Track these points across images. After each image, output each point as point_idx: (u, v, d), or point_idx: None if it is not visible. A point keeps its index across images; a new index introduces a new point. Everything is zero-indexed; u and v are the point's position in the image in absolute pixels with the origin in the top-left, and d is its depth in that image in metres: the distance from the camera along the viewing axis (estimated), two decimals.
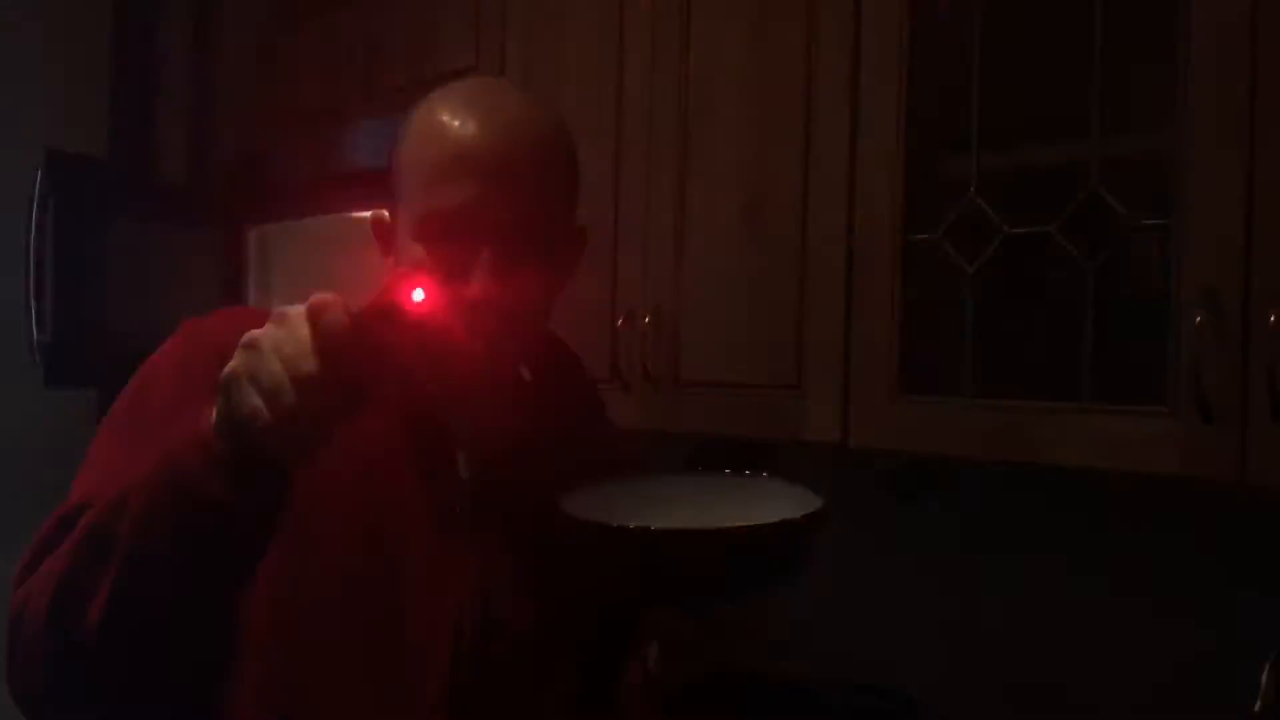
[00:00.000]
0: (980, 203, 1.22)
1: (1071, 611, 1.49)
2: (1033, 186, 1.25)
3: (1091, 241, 1.16)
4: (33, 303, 1.89)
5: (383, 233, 0.94)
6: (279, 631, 0.84)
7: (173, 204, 2.31)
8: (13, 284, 1.92)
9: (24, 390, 2.07)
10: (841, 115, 1.32)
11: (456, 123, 0.87)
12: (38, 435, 2.19)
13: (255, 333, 0.70)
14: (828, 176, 1.34)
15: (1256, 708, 1.12)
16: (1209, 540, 1.37)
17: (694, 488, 0.85)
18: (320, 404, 0.68)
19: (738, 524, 0.71)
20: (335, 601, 0.85)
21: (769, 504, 0.76)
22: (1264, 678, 1.12)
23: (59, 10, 2.39)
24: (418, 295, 0.73)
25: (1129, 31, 1.17)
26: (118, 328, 1.98)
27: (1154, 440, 1.04)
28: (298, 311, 0.70)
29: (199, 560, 0.74)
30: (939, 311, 1.29)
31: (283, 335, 0.69)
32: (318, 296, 0.70)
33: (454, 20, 1.96)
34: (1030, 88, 1.28)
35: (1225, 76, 1.01)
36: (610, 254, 1.59)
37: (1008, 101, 1.27)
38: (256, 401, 0.68)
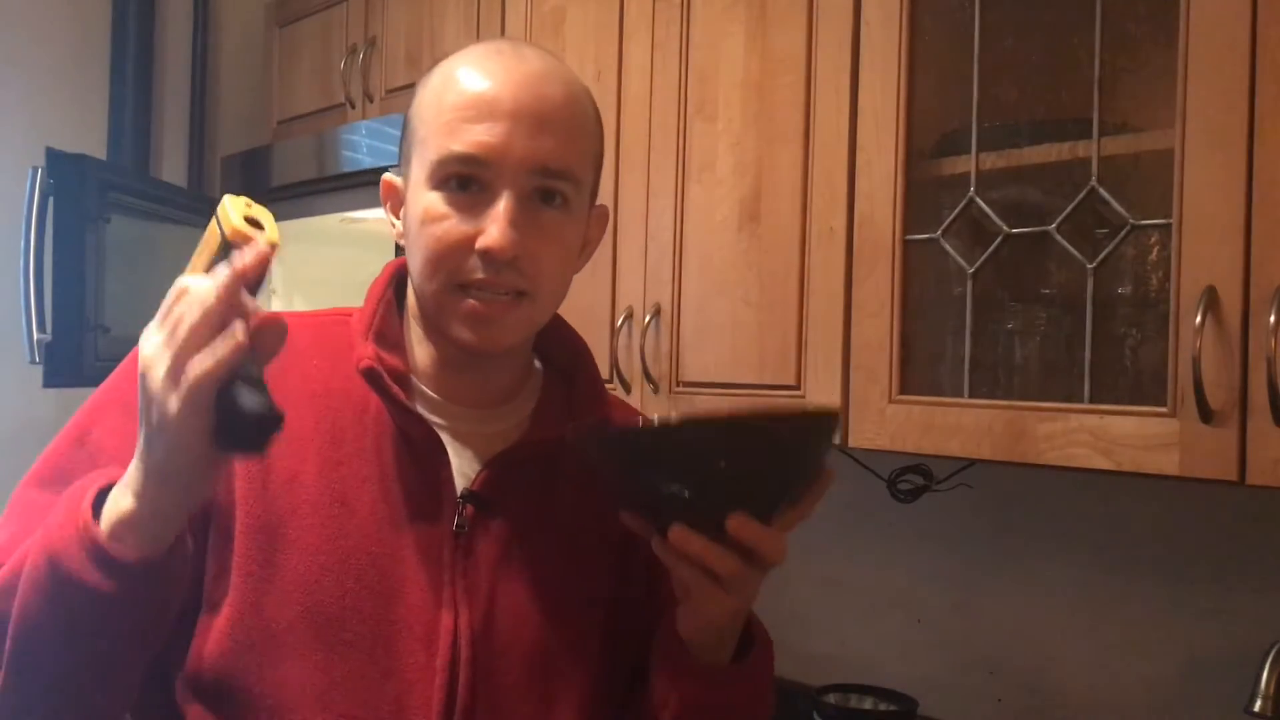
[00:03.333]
0: (980, 203, 1.22)
1: (1071, 612, 1.49)
2: (1033, 186, 1.25)
3: (1091, 241, 1.16)
4: (33, 303, 1.89)
5: (390, 194, 0.89)
6: (248, 680, 0.78)
7: (172, 204, 2.31)
8: (13, 284, 1.92)
9: (24, 390, 2.07)
10: (841, 115, 1.32)
11: (480, 69, 0.82)
12: (38, 435, 2.18)
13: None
14: (827, 176, 1.34)
15: (1256, 708, 1.12)
16: (1209, 540, 1.37)
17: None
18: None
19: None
20: (318, 637, 0.79)
21: None
22: (1264, 678, 1.12)
23: (59, 10, 2.39)
24: None
25: (1128, 31, 1.17)
26: (118, 328, 1.98)
27: (1154, 440, 1.04)
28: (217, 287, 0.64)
29: (96, 652, 0.70)
30: (939, 311, 1.29)
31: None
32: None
33: (454, 20, 1.96)
34: (1030, 88, 1.28)
35: (1225, 76, 1.01)
36: (610, 254, 1.59)
37: (1008, 101, 1.27)
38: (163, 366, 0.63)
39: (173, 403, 0.62)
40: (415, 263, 0.84)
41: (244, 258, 0.65)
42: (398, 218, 0.88)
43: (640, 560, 0.90)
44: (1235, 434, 0.98)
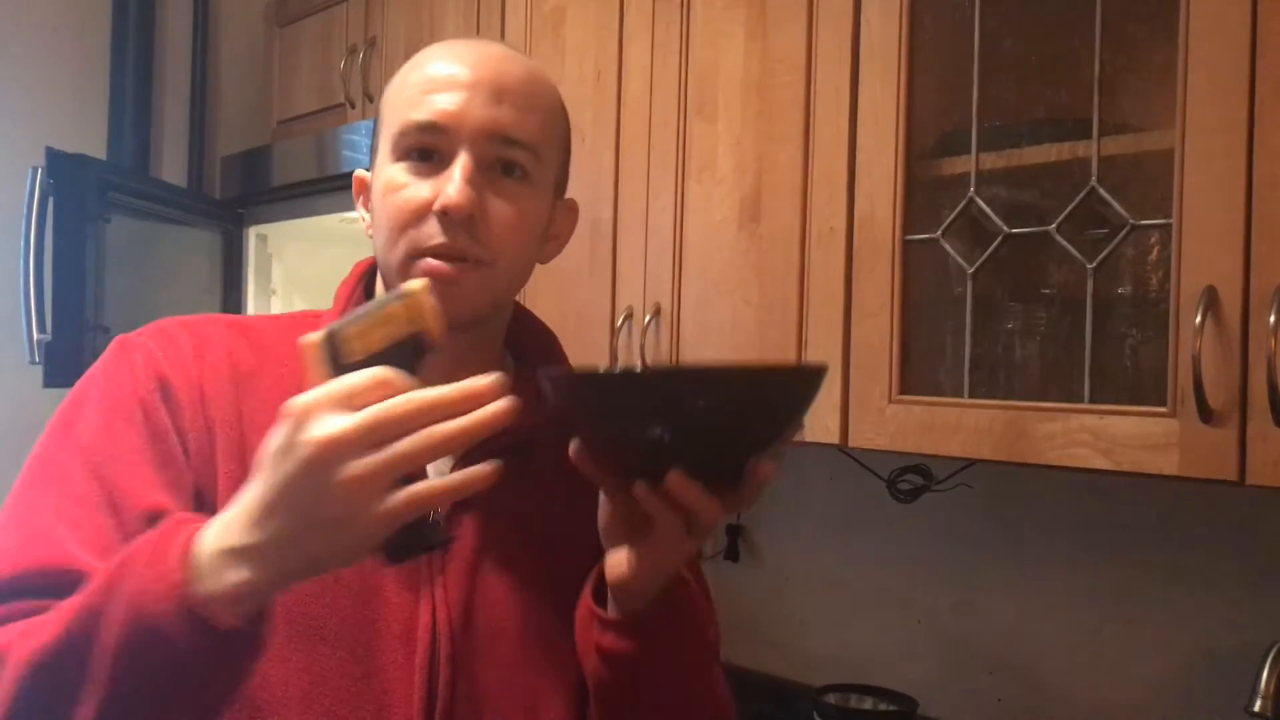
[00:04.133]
0: (980, 203, 1.22)
1: (1071, 611, 1.49)
2: (1033, 186, 1.25)
3: (1091, 241, 1.16)
4: (33, 303, 1.89)
5: (361, 189, 0.91)
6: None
7: (172, 204, 2.31)
8: (13, 284, 1.92)
9: (24, 390, 2.07)
10: (841, 115, 1.32)
11: (443, 52, 0.85)
12: (37, 435, 2.18)
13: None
14: (828, 176, 1.34)
15: (1256, 707, 1.12)
16: (1209, 540, 1.37)
17: None
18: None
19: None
20: (298, 637, 0.78)
21: None
22: (1264, 677, 1.12)
23: (59, 10, 2.39)
24: None
25: (1128, 31, 1.17)
26: (118, 328, 1.98)
27: (1154, 440, 1.04)
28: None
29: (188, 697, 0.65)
30: (939, 311, 1.29)
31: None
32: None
33: (454, 20, 1.96)
34: (1030, 88, 1.28)
35: (1225, 76, 1.01)
36: (610, 254, 1.59)
37: (1008, 101, 1.27)
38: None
39: (366, 514, 0.59)
40: (380, 238, 0.85)
41: (478, 419, 0.62)
42: (367, 210, 0.89)
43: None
44: (1235, 434, 0.98)
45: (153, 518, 0.75)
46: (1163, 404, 1.04)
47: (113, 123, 2.44)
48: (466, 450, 0.84)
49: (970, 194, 1.23)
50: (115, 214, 2.05)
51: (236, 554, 0.62)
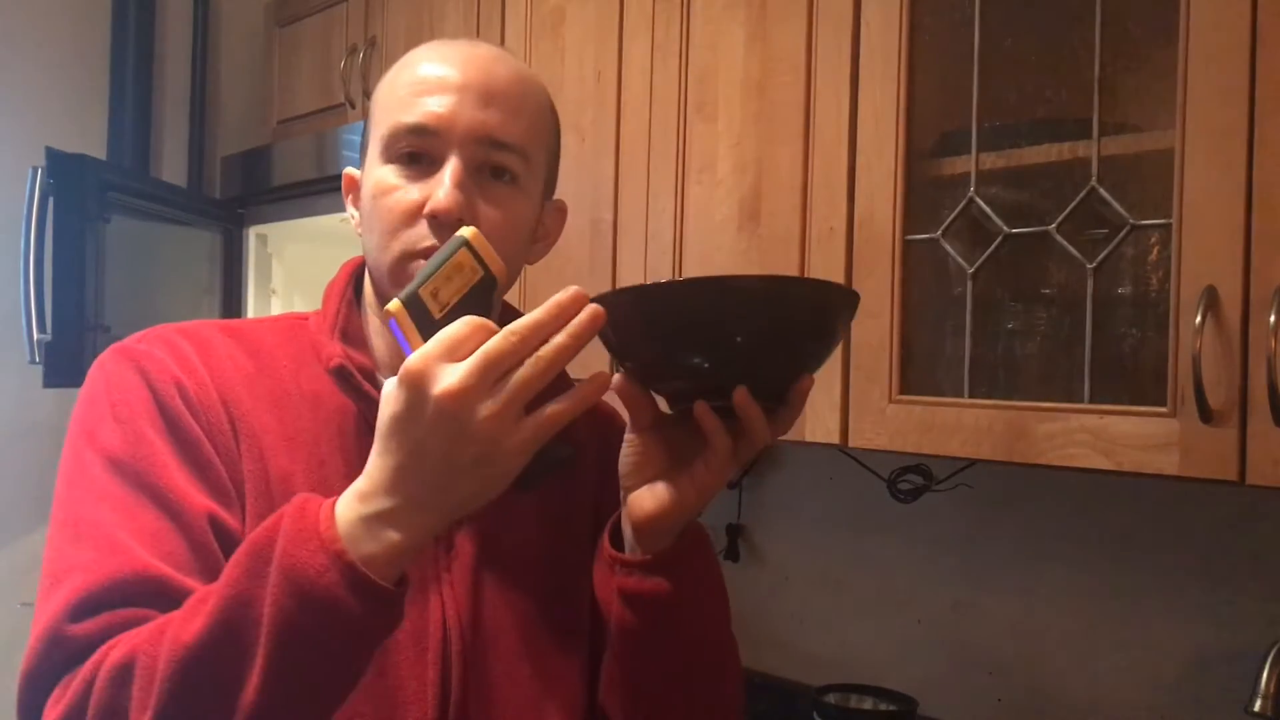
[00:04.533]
0: (980, 203, 1.23)
1: (1071, 612, 1.49)
2: (1033, 186, 1.25)
3: (1091, 241, 1.16)
4: (33, 303, 1.89)
5: (351, 187, 0.91)
6: None
7: (172, 204, 2.31)
8: (13, 284, 1.92)
9: (24, 390, 2.07)
10: (841, 115, 1.32)
11: (433, 54, 0.85)
12: (38, 435, 2.19)
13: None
14: (828, 176, 1.34)
15: (1256, 708, 1.12)
16: (1209, 540, 1.37)
17: None
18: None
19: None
20: None
21: None
22: (1264, 678, 1.12)
23: (59, 11, 2.39)
24: None
25: (1128, 31, 1.17)
26: (118, 328, 1.98)
27: (1154, 440, 1.04)
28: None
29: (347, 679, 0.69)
30: (939, 311, 1.29)
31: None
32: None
33: (454, 20, 1.96)
34: (1030, 88, 1.28)
35: (1225, 76, 1.01)
36: (610, 254, 1.59)
37: (1008, 101, 1.27)
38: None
39: (508, 446, 0.63)
40: (371, 240, 0.85)
41: (575, 330, 0.65)
42: (356, 208, 0.90)
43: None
44: (1235, 434, 0.98)
45: (212, 520, 0.76)
46: (1163, 404, 1.04)
47: (113, 123, 2.44)
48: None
49: (970, 194, 1.23)
50: (115, 214, 2.05)
51: (383, 518, 0.65)
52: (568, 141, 1.00)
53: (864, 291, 1.29)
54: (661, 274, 1.53)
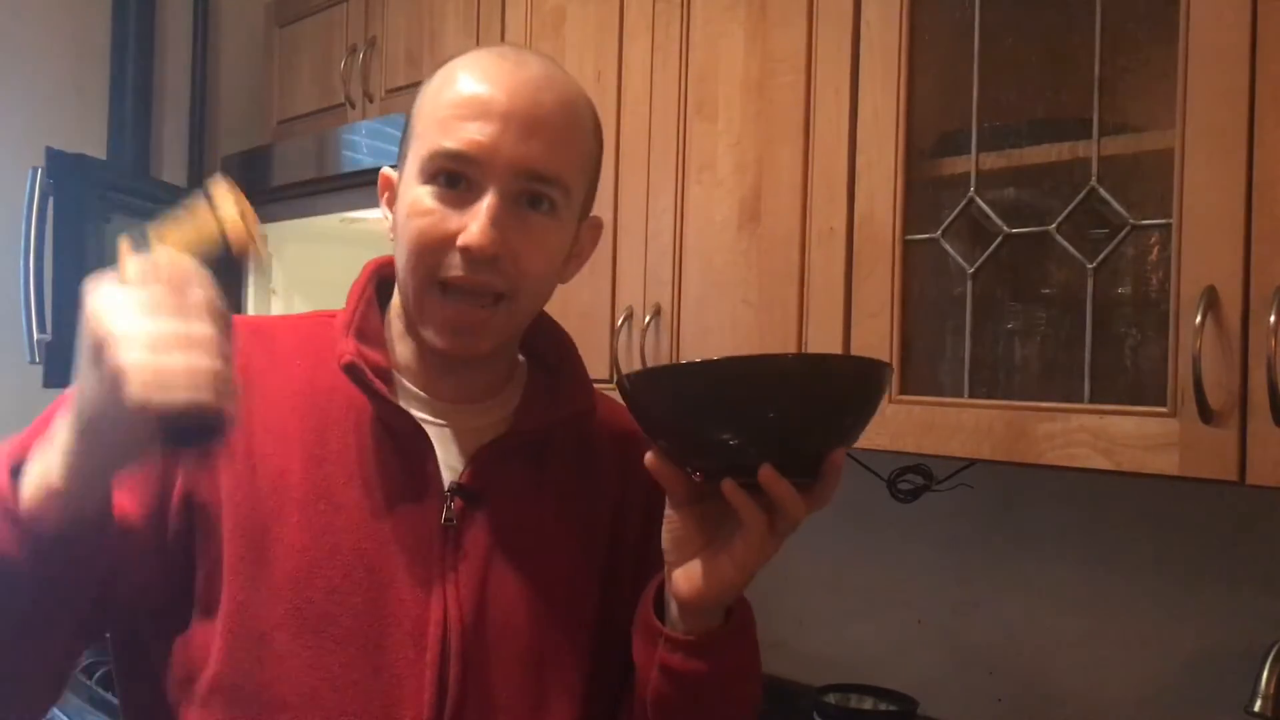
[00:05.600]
0: (980, 203, 1.23)
1: (1071, 611, 1.49)
2: (1033, 186, 1.25)
3: (1092, 241, 1.16)
4: (33, 303, 1.89)
5: (386, 187, 0.89)
6: (240, 680, 0.78)
7: (172, 204, 2.31)
8: (13, 284, 1.92)
9: (24, 390, 2.07)
10: (841, 115, 1.32)
11: (479, 71, 0.83)
12: None
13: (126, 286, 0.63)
14: (828, 176, 1.34)
15: (1256, 708, 1.12)
16: (1209, 540, 1.37)
17: None
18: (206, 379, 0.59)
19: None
20: (308, 635, 0.78)
21: None
22: (1264, 678, 1.12)
23: (59, 11, 2.39)
24: None
25: (1128, 31, 1.17)
26: None
27: (1154, 440, 1.04)
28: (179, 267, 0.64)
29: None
30: (939, 311, 1.29)
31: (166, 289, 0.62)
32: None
33: (454, 20, 1.96)
34: (1030, 88, 1.28)
35: (1225, 76, 1.01)
36: (610, 254, 1.59)
37: (1008, 101, 1.27)
38: (133, 358, 0.59)
39: (138, 389, 0.58)
40: (400, 256, 0.85)
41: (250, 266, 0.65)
42: (391, 211, 0.89)
43: (627, 552, 0.91)
44: (1235, 434, 0.98)
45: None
46: (1163, 404, 1.04)
47: (113, 123, 2.44)
48: (476, 452, 0.86)
49: (970, 194, 1.23)
50: (115, 214, 2.05)
51: (49, 445, 0.67)
52: None
53: (864, 291, 1.30)
54: (661, 274, 1.53)
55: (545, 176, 0.82)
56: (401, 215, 0.84)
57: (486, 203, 0.80)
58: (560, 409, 0.91)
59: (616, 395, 0.82)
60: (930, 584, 1.65)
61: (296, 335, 0.89)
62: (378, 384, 0.83)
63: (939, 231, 1.26)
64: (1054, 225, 1.17)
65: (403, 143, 0.88)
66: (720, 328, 1.46)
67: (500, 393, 0.92)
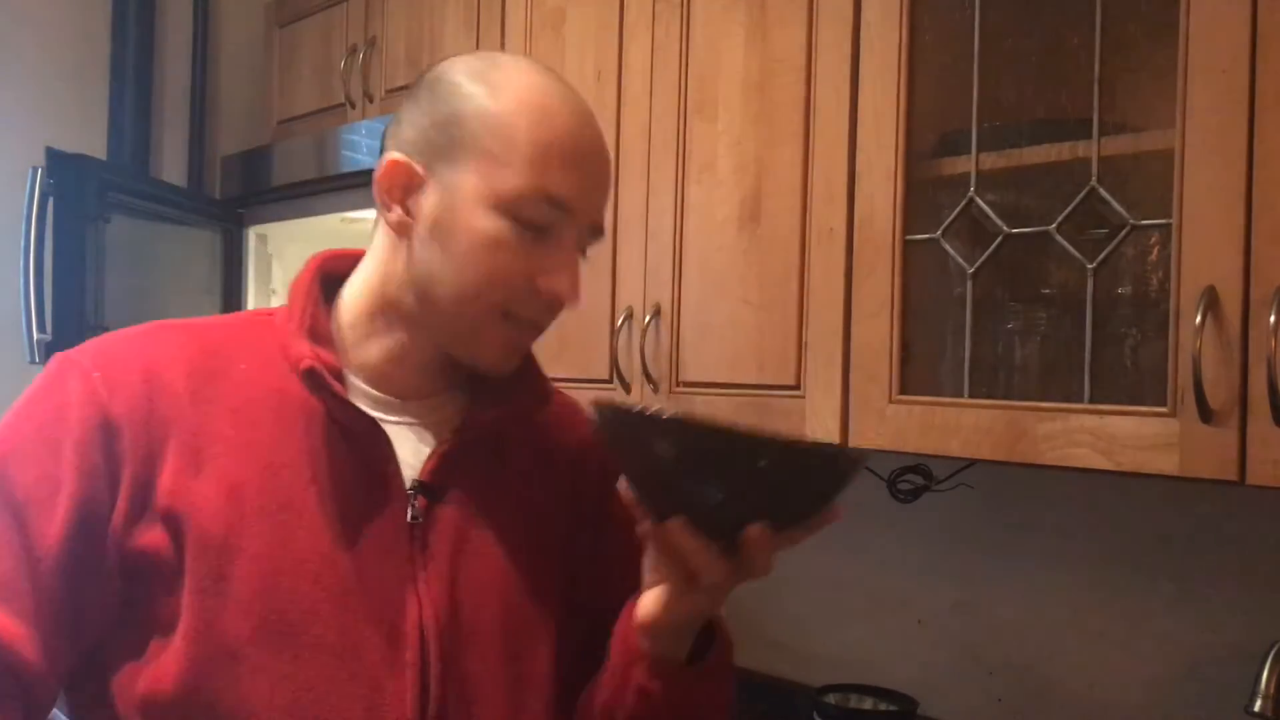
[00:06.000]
0: (980, 203, 1.22)
1: (1071, 611, 1.49)
2: (1033, 186, 1.25)
3: (1092, 241, 1.16)
4: (33, 303, 1.89)
5: (401, 177, 0.83)
6: (212, 699, 0.76)
7: (172, 204, 2.31)
8: (13, 284, 1.92)
9: (24, 390, 2.06)
10: (841, 115, 1.32)
11: (560, 105, 0.83)
12: None
13: None
14: (828, 176, 1.34)
15: (1256, 708, 1.12)
16: (1209, 540, 1.37)
17: None
18: None
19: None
20: (280, 646, 0.77)
21: None
22: (1264, 677, 1.12)
23: (59, 11, 2.39)
24: None
25: (1128, 31, 1.17)
26: (117, 328, 1.98)
27: (1154, 440, 1.04)
28: None
29: None
30: (939, 312, 1.29)
31: None
32: None
33: (454, 20, 1.96)
34: (1030, 88, 1.28)
35: (1225, 76, 1.00)
36: (610, 254, 1.59)
37: (1008, 101, 1.27)
38: None
39: None
40: (451, 277, 0.82)
41: None
42: (406, 204, 0.83)
43: (586, 536, 0.93)
44: (1235, 434, 0.98)
45: (70, 551, 0.76)
46: (1163, 404, 1.04)
47: (113, 123, 2.44)
48: (435, 448, 0.86)
49: (970, 194, 1.23)
50: (115, 214, 2.05)
51: None
52: None
53: (864, 291, 1.30)
54: (661, 274, 1.53)
55: (601, 227, 0.88)
56: (464, 237, 0.81)
57: (571, 254, 0.84)
58: (513, 400, 0.90)
59: (615, 395, 0.83)
60: (930, 584, 1.65)
61: (233, 337, 0.87)
62: (337, 388, 0.82)
63: (939, 231, 1.26)
64: (1054, 225, 1.17)
65: (444, 140, 0.82)
66: (720, 328, 1.46)
67: (453, 387, 0.91)
